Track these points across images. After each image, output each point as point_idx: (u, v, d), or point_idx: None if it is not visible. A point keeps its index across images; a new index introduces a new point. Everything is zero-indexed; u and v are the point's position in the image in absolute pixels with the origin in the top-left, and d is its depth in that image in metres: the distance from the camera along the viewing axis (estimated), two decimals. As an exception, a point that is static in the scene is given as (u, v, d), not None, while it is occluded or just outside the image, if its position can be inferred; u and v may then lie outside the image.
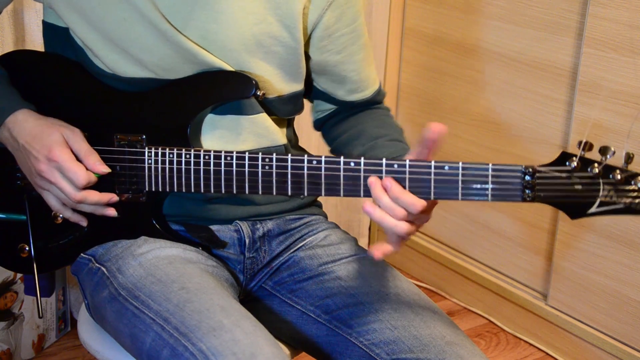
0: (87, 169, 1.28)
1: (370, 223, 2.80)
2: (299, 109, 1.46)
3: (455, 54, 2.44)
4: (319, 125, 1.54)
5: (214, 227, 1.38)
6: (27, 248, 1.40)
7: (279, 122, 1.42)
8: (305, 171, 1.22)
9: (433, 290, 2.64)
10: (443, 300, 2.60)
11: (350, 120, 1.48)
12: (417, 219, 1.18)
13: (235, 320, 1.17)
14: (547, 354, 2.32)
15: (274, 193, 1.25)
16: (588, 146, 1.09)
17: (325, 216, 1.52)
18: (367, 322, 1.29)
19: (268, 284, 1.42)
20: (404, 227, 1.16)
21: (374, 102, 1.51)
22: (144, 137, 1.31)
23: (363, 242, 2.78)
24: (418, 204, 1.15)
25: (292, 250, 1.43)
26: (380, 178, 1.18)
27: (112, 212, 1.33)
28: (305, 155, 1.22)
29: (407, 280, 1.38)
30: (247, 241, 1.39)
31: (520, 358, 2.32)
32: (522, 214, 2.34)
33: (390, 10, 2.57)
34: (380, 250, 1.18)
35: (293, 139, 1.49)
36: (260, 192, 1.25)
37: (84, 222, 1.35)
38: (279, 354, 1.14)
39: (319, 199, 1.54)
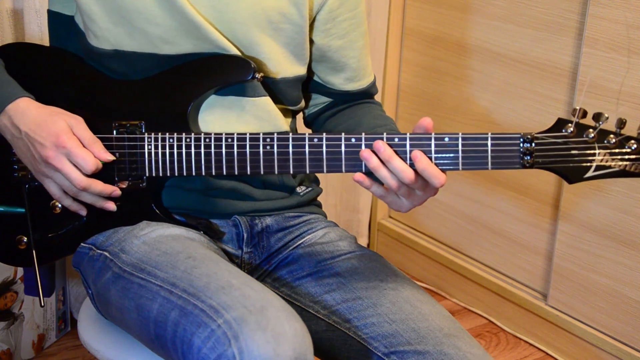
0: None
1: (370, 223, 2.80)
2: (302, 98, 1.47)
3: (455, 54, 2.44)
4: (311, 119, 1.54)
5: (212, 221, 1.39)
6: (24, 240, 1.40)
7: (284, 112, 1.42)
8: (307, 149, 1.23)
9: (433, 290, 2.64)
10: (443, 300, 2.60)
11: (346, 113, 1.49)
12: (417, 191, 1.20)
13: (244, 281, 1.17)
14: (547, 354, 2.32)
15: (276, 172, 1.25)
16: (582, 113, 1.13)
17: (325, 215, 1.52)
18: (365, 317, 1.29)
19: (267, 281, 1.42)
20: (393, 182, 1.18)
21: (368, 94, 1.52)
22: (143, 123, 1.31)
23: (362, 242, 2.78)
24: (408, 171, 1.17)
25: (291, 248, 1.43)
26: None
27: (111, 205, 1.33)
28: (307, 134, 1.23)
29: (405, 275, 1.38)
30: (245, 236, 1.39)
31: (520, 358, 2.32)
32: (522, 214, 2.34)
33: (390, 10, 2.58)
34: (361, 175, 1.20)
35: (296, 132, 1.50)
36: (262, 172, 1.26)
37: (83, 212, 1.35)
38: (288, 308, 1.13)
39: (319, 198, 1.54)
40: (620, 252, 2.09)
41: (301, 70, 1.41)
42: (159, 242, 1.29)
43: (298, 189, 1.47)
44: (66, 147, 1.26)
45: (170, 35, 1.30)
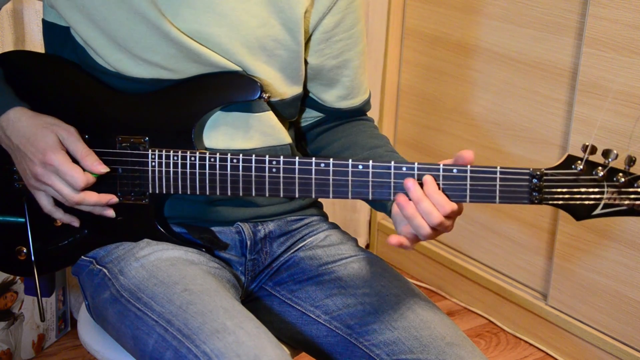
0: (85, 169, 1.27)
1: (370, 223, 2.80)
2: (298, 111, 1.46)
3: (455, 54, 2.44)
4: (303, 130, 1.52)
5: (215, 229, 1.38)
6: (24, 250, 1.39)
7: (282, 123, 1.41)
8: (314, 175, 1.23)
9: (433, 290, 2.64)
10: (443, 300, 2.60)
11: (340, 130, 1.47)
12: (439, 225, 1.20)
13: (239, 322, 1.17)
14: (547, 354, 2.32)
15: (281, 195, 1.25)
16: (591, 149, 1.13)
17: (326, 216, 1.52)
18: (367, 323, 1.29)
19: (268, 284, 1.42)
20: (428, 230, 1.18)
21: (361, 112, 1.50)
22: (147, 139, 1.30)
23: (361, 242, 2.78)
24: (448, 206, 1.18)
25: (292, 251, 1.42)
26: (389, 182, 1.20)
27: (110, 212, 1.32)
28: (313, 159, 1.22)
29: (407, 280, 1.38)
30: (248, 243, 1.38)
31: (520, 358, 2.32)
32: (522, 214, 2.34)
33: (390, 11, 2.57)
34: (397, 239, 1.20)
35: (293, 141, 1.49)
36: (267, 195, 1.25)
37: (76, 223, 1.34)
38: (283, 356, 1.14)
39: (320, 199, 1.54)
40: (620, 252, 2.09)
41: (298, 90, 1.40)
42: (156, 267, 1.28)
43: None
44: (53, 165, 1.24)
45: (172, 62, 1.29)
